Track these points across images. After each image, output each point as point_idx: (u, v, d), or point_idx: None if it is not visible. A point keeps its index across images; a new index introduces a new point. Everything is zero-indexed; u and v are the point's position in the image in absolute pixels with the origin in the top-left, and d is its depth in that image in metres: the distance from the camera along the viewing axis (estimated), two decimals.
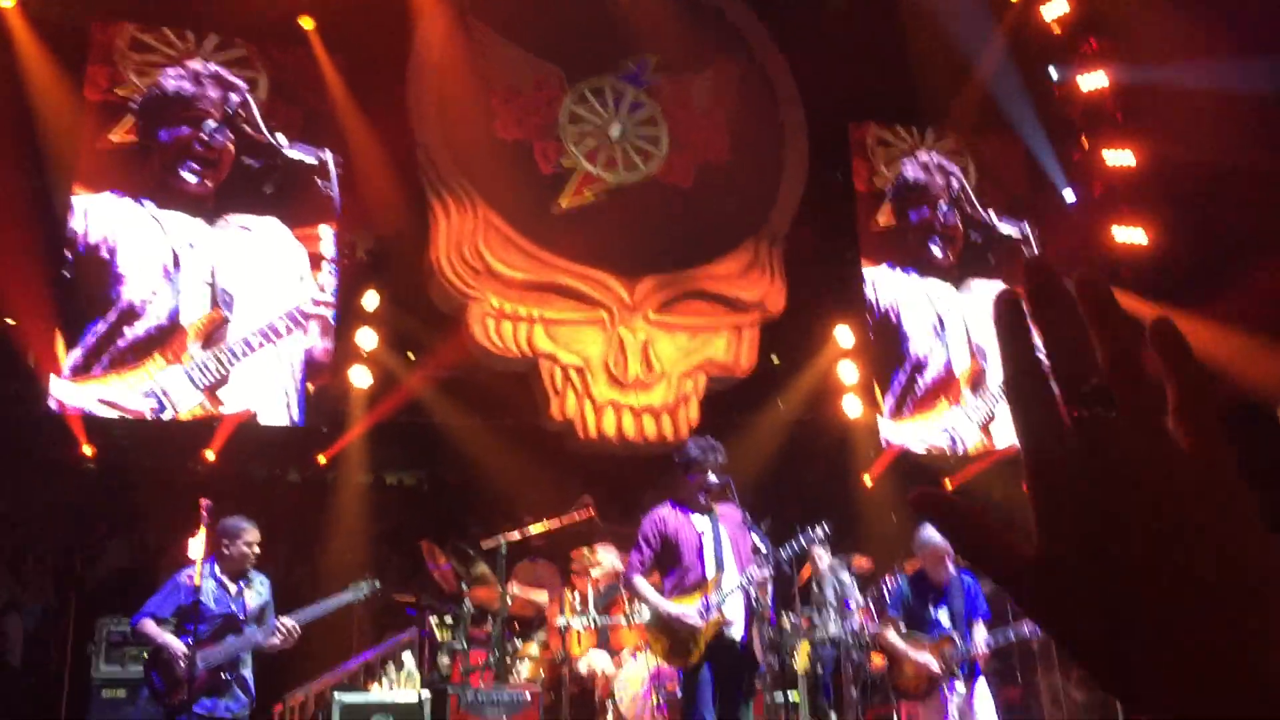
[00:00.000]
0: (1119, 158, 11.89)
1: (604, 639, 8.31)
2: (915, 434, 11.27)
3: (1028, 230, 12.30)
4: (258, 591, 6.31)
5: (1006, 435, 11.33)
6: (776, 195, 11.55)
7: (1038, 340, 0.64)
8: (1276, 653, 0.53)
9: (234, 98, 9.80)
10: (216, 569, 6.20)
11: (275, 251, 9.66)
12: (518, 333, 10.41)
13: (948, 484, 11.62)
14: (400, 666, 7.77)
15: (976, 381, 11.60)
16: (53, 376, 8.69)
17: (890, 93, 12.01)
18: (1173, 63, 11.29)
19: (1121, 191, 11.85)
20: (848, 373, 11.31)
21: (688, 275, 11.01)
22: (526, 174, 10.84)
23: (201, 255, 9.37)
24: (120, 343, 8.91)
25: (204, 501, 6.07)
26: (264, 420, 9.33)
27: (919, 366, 11.52)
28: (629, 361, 10.60)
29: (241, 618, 6.16)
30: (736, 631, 5.81)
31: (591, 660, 8.07)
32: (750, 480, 9.01)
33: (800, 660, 7.14)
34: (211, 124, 9.64)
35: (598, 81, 11.30)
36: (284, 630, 6.11)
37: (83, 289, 8.98)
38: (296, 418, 9.41)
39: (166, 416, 8.93)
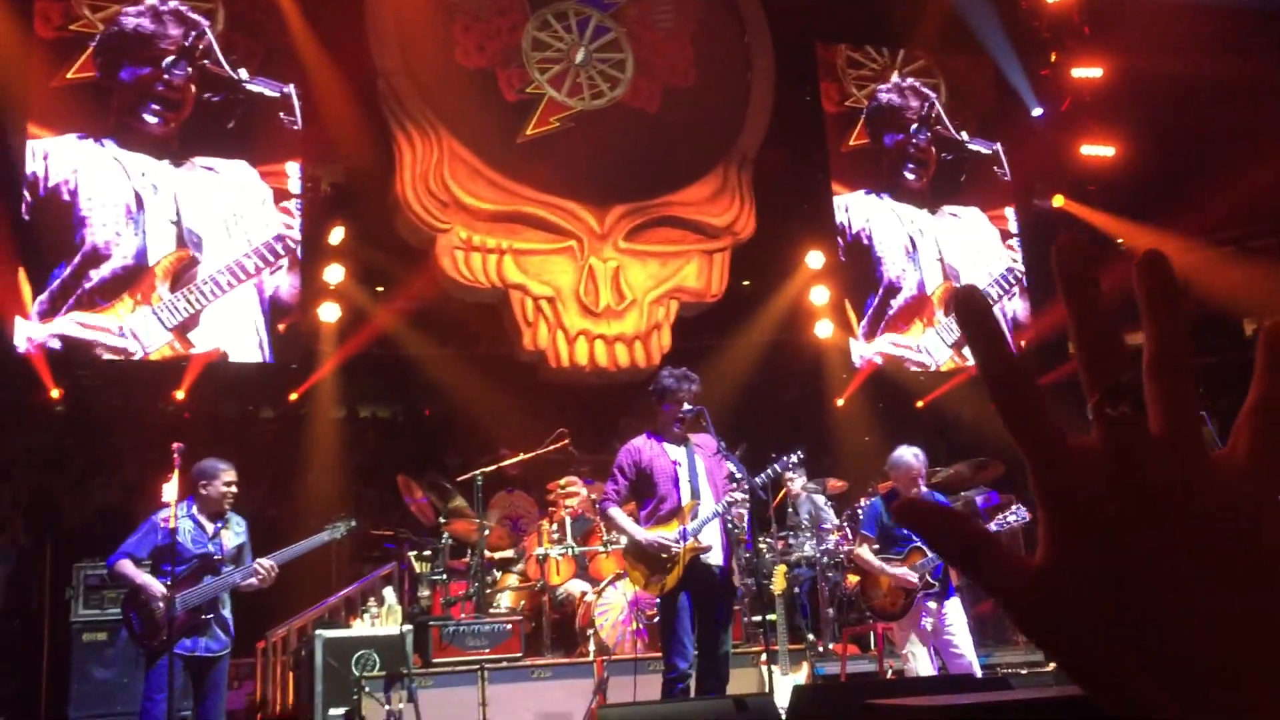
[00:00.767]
0: (1087, 72, 11.84)
1: (582, 568, 8.39)
2: (888, 352, 11.35)
3: (999, 148, 12.29)
4: (235, 532, 6.31)
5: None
6: (744, 118, 11.45)
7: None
8: None
9: (195, 35, 9.57)
10: (194, 509, 6.19)
11: (241, 192, 9.52)
12: (487, 264, 10.33)
13: (919, 404, 11.73)
14: (381, 601, 7.83)
15: (949, 303, 11.65)
16: (19, 319, 8.59)
17: (858, 12, 11.89)
18: None
19: (1089, 106, 11.82)
20: (819, 296, 11.33)
21: (657, 202, 10.94)
22: (491, 102, 10.68)
23: (166, 196, 9.22)
24: (86, 284, 8.81)
25: (176, 445, 6.04)
26: (234, 359, 9.27)
27: (892, 290, 11.56)
28: (600, 290, 10.57)
29: (219, 558, 6.16)
30: (713, 558, 5.87)
31: (570, 588, 8.16)
32: (724, 405, 9.06)
33: (777, 582, 7.22)
34: (170, 59, 9.43)
35: (560, 5, 11.09)
36: (262, 570, 6.13)
37: (45, 232, 8.83)
38: (267, 355, 9.35)
39: (136, 357, 8.85)
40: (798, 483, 9.08)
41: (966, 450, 9.81)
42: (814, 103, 11.90)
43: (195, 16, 9.64)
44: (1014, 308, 12.02)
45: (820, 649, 8.06)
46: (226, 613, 6.22)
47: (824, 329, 11.34)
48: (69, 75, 9.16)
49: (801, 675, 6.99)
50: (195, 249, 9.22)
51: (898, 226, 11.74)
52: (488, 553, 8.49)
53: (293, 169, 9.72)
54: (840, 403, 11.62)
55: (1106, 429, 0.54)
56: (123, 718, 7.36)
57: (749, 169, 11.30)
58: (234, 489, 6.29)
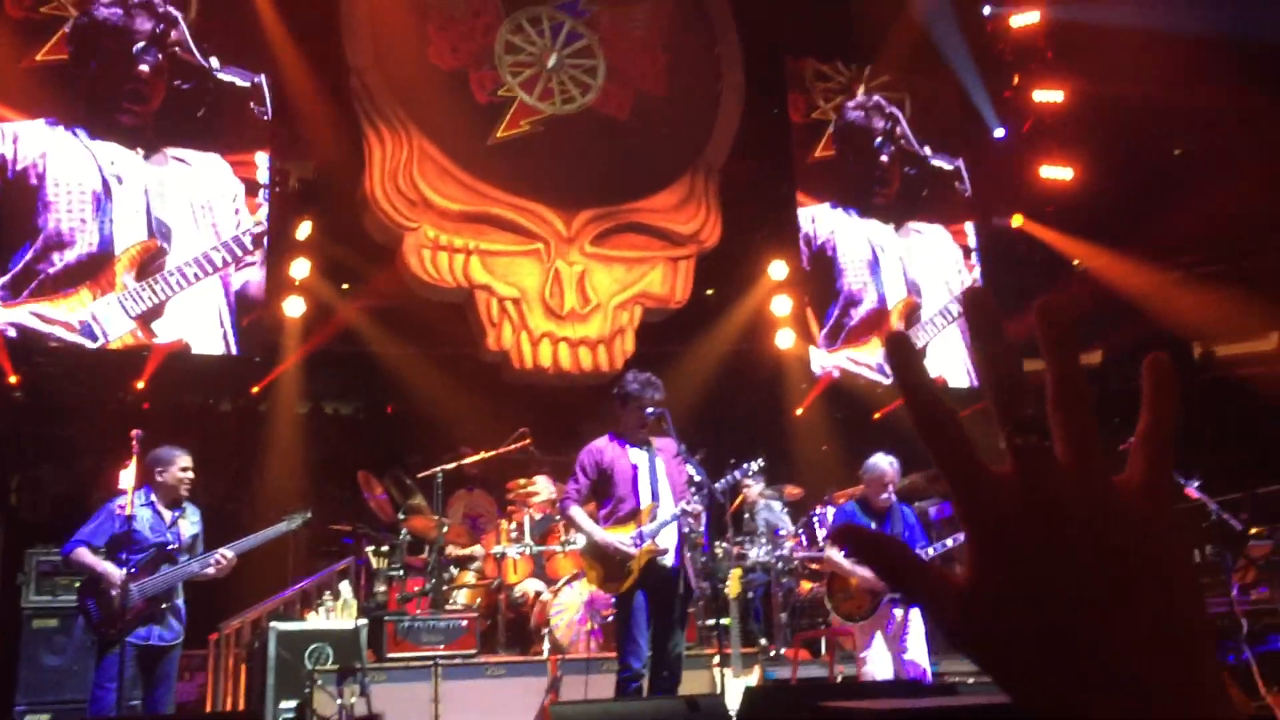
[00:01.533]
0: (1048, 95, 12.05)
1: (540, 567, 8.44)
2: (846, 368, 11.48)
3: (960, 164, 12.47)
4: (190, 521, 6.31)
5: (936, 367, 11.59)
6: (713, 128, 11.56)
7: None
8: (1200, 699, 0.54)
9: (164, 27, 9.54)
10: (152, 497, 6.18)
11: (212, 184, 9.49)
12: (454, 264, 10.37)
13: (876, 416, 11.87)
14: (337, 596, 7.83)
15: (910, 316, 11.83)
16: None
17: (827, 28, 12.04)
18: (1103, 1, 11.44)
19: (1050, 128, 12.04)
20: (781, 306, 11.44)
21: (624, 208, 11.03)
22: (462, 103, 10.72)
23: (135, 186, 9.17)
24: (50, 270, 8.74)
25: (135, 432, 6.04)
26: (197, 350, 9.23)
27: (852, 301, 11.69)
28: (565, 293, 10.63)
29: (175, 547, 6.16)
30: (670, 559, 5.95)
31: (527, 588, 8.21)
32: (685, 411, 9.14)
33: (732, 586, 7.32)
34: (141, 45, 9.39)
35: (534, 10, 11.16)
36: (222, 560, 6.12)
37: (10, 216, 8.75)
38: (233, 349, 9.32)
39: (97, 344, 8.80)
40: (755, 489, 9.18)
41: (922, 462, 9.92)
42: (781, 115, 12.03)
43: (167, 9, 9.60)
44: None
45: (772, 653, 8.15)
46: (180, 602, 6.21)
47: (785, 339, 11.45)
48: (39, 57, 9.10)
49: (753, 678, 7.07)
50: (164, 239, 9.18)
51: (862, 241, 11.88)
52: (452, 549, 8.53)
53: (262, 159, 9.70)
54: (799, 412, 11.74)
55: (1017, 457, 0.59)
56: (72, 705, 7.31)
57: (716, 178, 11.41)
58: (190, 475, 6.28)
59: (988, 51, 12.19)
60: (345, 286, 10.89)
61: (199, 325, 9.22)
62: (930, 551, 6.80)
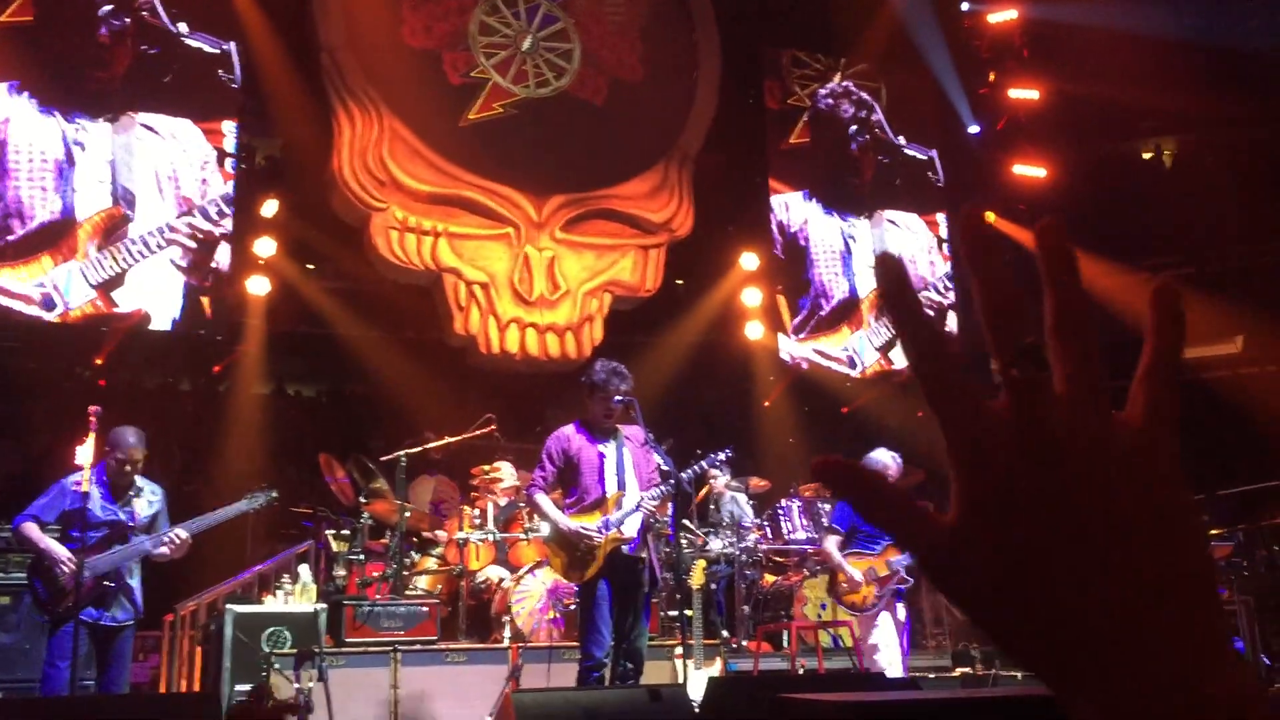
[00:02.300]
0: (1023, 93, 12.09)
1: (502, 554, 8.37)
2: (816, 353, 11.48)
3: (934, 154, 12.50)
4: (148, 500, 6.19)
5: (904, 358, 11.60)
6: (688, 117, 11.51)
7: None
8: (1198, 648, 0.52)
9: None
10: (105, 476, 6.06)
11: (180, 153, 9.35)
12: (421, 246, 10.26)
13: (844, 410, 11.88)
14: (296, 578, 7.73)
15: (881, 308, 11.82)
16: None
17: (805, 19, 12.01)
18: (1080, 1, 11.48)
19: (1024, 127, 12.08)
20: (751, 298, 11.41)
21: (596, 194, 10.96)
22: (435, 84, 10.61)
23: (100, 153, 9.04)
24: (10, 237, 8.59)
25: (93, 408, 5.91)
26: (156, 323, 9.09)
27: (823, 293, 11.69)
28: (534, 279, 10.55)
29: (130, 525, 6.04)
30: (634, 549, 5.92)
31: (489, 574, 8.14)
32: (653, 401, 9.08)
33: (695, 577, 7.28)
34: (107, 8, 9.20)
35: None
36: (175, 540, 6.00)
37: None
38: (193, 321, 9.19)
39: (56, 313, 8.65)
40: (721, 480, 9.15)
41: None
42: (757, 106, 12.00)
43: None
44: (950, 321, 12.21)
45: (734, 645, 8.13)
46: (134, 582, 6.09)
47: (754, 330, 11.43)
48: (3, 18, 8.90)
49: (715, 670, 7.04)
50: (128, 207, 9.04)
51: (835, 233, 11.89)
52: (425, 533, 8.45)
53: (229, 128, 9.57)
54: (767, 404, 11.73)
55: (1013, 390, 0.55)
56: (24, 684, 7.16)
57: (689, 167, 11.36)
58: (140, 455, 6.11)
59: (965, 48, 12.20)
60: (310, 266, 10.75)
61: (160, 297, 9.09)
62: None
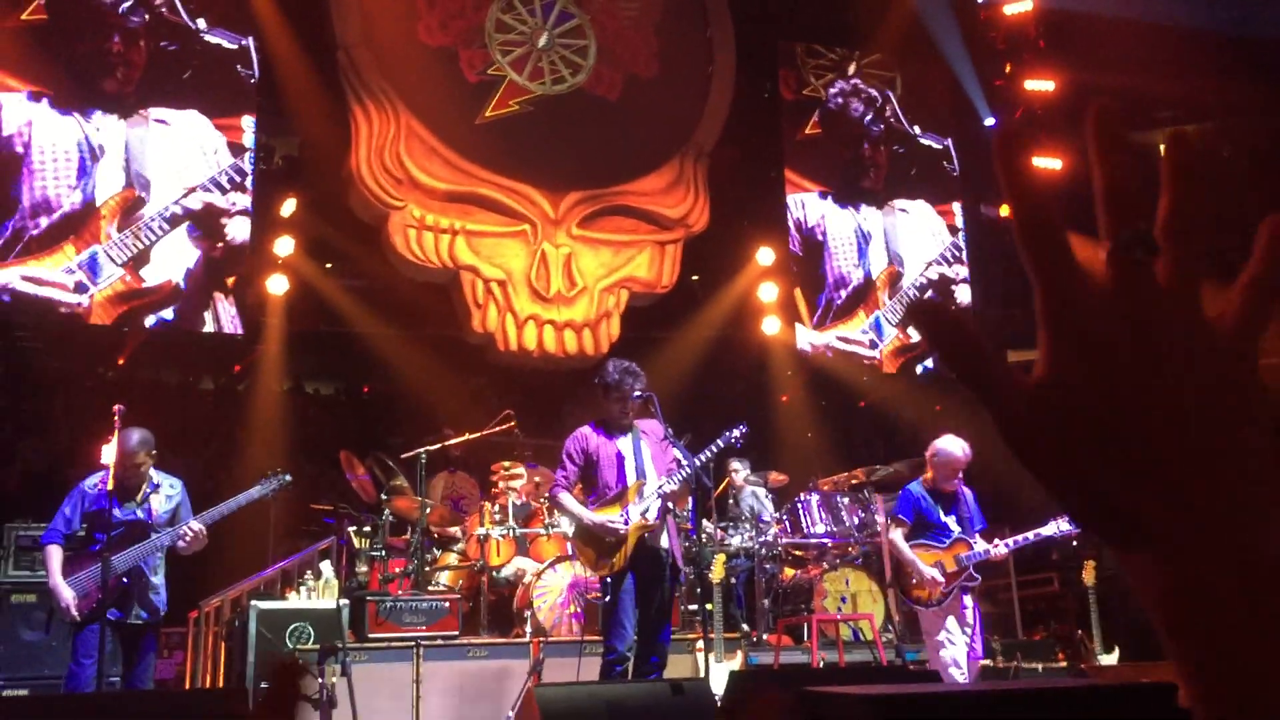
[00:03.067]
0: (1039, 85, 12.03)
1: (523, 550, 8.40)
2: (839, 340, 11.50)
3: (949, 143, 12.47)
4: (166, 495, 6.21)
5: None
6: (703, 112, 11.50)
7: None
8: (1268, 528, 0.54)
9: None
10: (118, 478, 6.08)
11: (192, 142, 9.42)
12: (439, 244, 10.30)
13: (861, 404, 11.86)
14: (319, 575, 7.78)
15: (894, 284, 11.86)
16: None
17: (820, 12, 11.98)
18: None
19: (1041, 118, 12.02)
20: (768, 293, 11.41)
21: (612, 190, 10.96)
22: (451, 82, 10.63)
23: (116, 148, 9.14)
24: (35, 231, 8.70)
25: (117, 407, 5.95)
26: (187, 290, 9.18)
27: (841, 283, 11.69)
28: (551, 275, 10.57)
29: (149, 523, 6.08)
30: (659, 539, 5.96)
31: (518, 566, 8.18)
32: (670, 397, 9.09)
33: (716, 571, 7.30)
34: (126, 4, 9.27)
35: None
36: (190, 533, 6.02)
37: None
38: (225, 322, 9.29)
39: (88, 295, 8.74)
40: (741, 474, 9.17)
41: (905, 450, 9.95)
42: (772, 100, 11.98)
43: None
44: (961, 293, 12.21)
45: (755, 639, 8.14)
46: (158, 579, 6.14)
47: (771, 325, 11.43)
48: (23, 17, 8.96)
49: (736, 664, 7.06)
50: (142, 189, 9.15)
51: (849, 225, 11.88)
52: (435, 528, 8.49)
53: (248, 123, 9.63)
54: (785, 399, 11.72)
55: (1118, 269, 0.58)
56: (50, 681, 7.24)
57: (705, 162, 11.36)
58: (132, 467, 6.10)
59: (980, 39, 12.15)
60: (329, 265, 10.80)
61: (185, 267, 9.22)
62: (1007, 545, 6.66)
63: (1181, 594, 0.56)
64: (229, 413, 10.62)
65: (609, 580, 5.96)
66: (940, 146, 12.47)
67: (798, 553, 8.90)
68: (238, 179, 9.48)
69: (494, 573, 8.15)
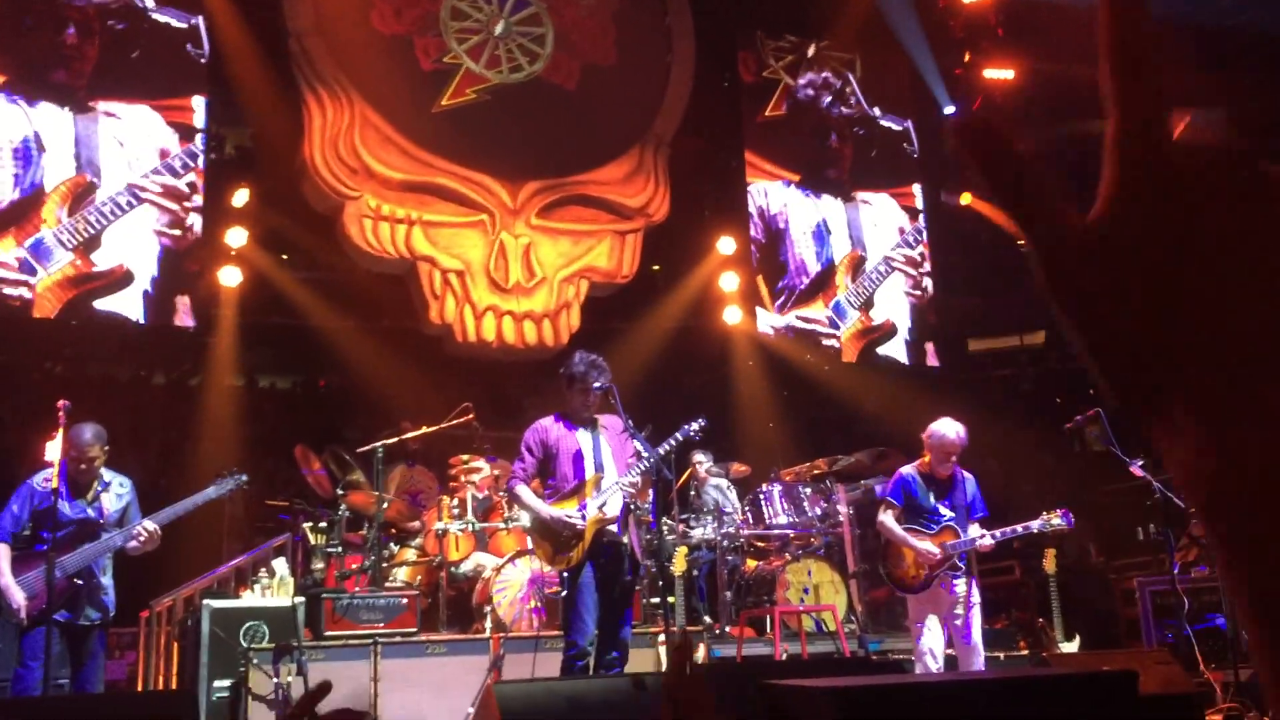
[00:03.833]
0: (999, 73, 12.04)
1: (482, 545, 8.31)
2: (799, 320, 11.51)
3: (909, 125, 12.49)
4: (116, 494, 6.07)
5: (882, 312, 11.88)
6: (663, 101, 11.43)
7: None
8: None
9: None
10: (67, 474, 5.92)
11: (143, 137, 9.22)
12: (395, 235, 10.15)
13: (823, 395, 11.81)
14: (273, 573, 7.64)
15: (857, 268, 11.89)
16: None
17: (780, 3, 11.94)
18: None
19: (1000, 107, 12.03)
20: (729, 282, 11.35)
21: (571, 180, 10.87)
22: (406, 70, 10.48)
23: (64, 140, 8.95)
24: None
25: (61, 402, 5.79)
26: (139, 281, 8.98)
27: (801, 271, 11.69)
28: (510, 266, 10.46)
29: (100, 522, 5.93)
30: (616, 531, 5.89)
31: (478, 561, 8.09)
32: (630, 388, 9.02)
33: (678, 564, 7.24)
34: None
35: None
36: (144, 533, 5.89)
37: None
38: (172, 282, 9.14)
39: (37, 278, 8.55)
40: (704, 466, 9.11)
41: (867, 440, 9.95)
42: (732, 89, 11.92)
43: None
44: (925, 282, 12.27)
45: (717, 631, 8.09)
46: (106, 580, 6.00)
47: (732, 315, 11.38)
48: None
49: (698, 657, 7.01)
50: (93, 175, 8.98)
51: (811, 213, 11.88)
52: (393, 523, 8.37)
53: (199, 103, 9.45)
54: (745, 390, 11.68)
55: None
56: None
57: (665, 152, 11.28)
58: (85, 462, 5.96)
59: (939, 28, 12.14)
60: (284, 256, 10.62)
61: (138, 254, 9.02)
62: (994, 536, 6.58)
63: (1222, 465, 0.50)
64: (182, 407, 10.42)
65: (567, 574, 5.88)
66: (900, 128, 12.49)
67: (760, 544, 8.86)
68: (190, 163, 9.30)
69: (453, 568, 8.05)
